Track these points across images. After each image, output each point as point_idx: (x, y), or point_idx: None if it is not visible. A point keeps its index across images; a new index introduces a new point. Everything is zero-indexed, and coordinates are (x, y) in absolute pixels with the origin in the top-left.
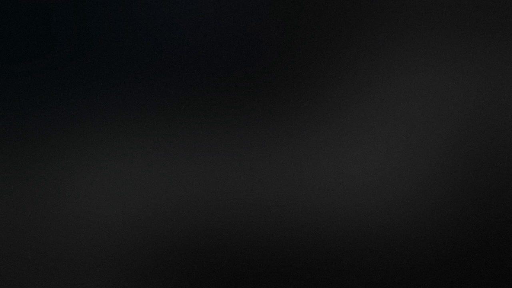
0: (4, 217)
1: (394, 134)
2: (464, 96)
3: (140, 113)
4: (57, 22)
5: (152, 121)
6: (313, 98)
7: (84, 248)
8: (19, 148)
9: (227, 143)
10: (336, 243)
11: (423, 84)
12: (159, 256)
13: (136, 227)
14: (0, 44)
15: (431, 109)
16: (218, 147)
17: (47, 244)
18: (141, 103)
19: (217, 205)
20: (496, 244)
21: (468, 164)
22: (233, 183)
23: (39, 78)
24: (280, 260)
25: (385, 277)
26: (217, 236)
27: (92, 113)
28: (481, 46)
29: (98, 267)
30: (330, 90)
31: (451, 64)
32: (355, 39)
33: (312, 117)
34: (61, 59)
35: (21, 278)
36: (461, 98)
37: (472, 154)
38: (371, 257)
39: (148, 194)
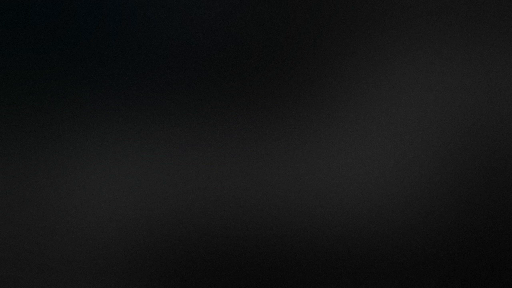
0: (3, 217)
1: (394, 134)
2: (465, 97)
3: (139, 113)
4: (57, 22)
5: (151, 121)
6: (313, 98)
7: (83, 247)
8: (19, 148)
9: (226, 143)
10: (336, 243)
11: (423, 84)
12: (158, 256)
13: (135, 226)
14: (0, 44)
15: (432, 109)
16: (218, 147)
17: (45, 244)
18: (140, 103)
19: (216, 205)
20: (496, 244)
21: (468, 164)
22: (232, 183)
23: (39, 78)
24: (280, 259)
25: (385, 277)
26: (216, 236)
27: (91, 113)
28: (482, 46)
29: (97, 267)
30: (330, 90)
31: (452, 64)
32: (355, 39)
33: (312, 117)
34: (61, 59)
35: (20, 278)
36: (461, 99)
37: (472, 154)
38: (371, 257)
39: (147, 194)
